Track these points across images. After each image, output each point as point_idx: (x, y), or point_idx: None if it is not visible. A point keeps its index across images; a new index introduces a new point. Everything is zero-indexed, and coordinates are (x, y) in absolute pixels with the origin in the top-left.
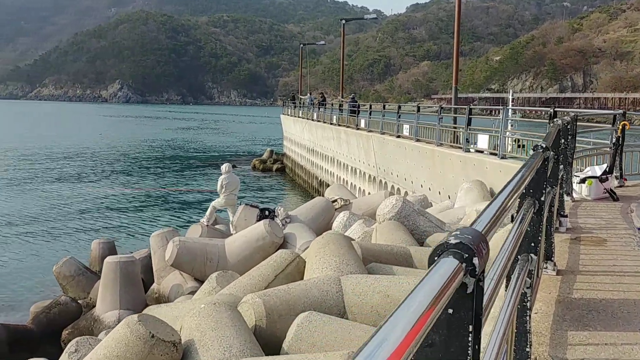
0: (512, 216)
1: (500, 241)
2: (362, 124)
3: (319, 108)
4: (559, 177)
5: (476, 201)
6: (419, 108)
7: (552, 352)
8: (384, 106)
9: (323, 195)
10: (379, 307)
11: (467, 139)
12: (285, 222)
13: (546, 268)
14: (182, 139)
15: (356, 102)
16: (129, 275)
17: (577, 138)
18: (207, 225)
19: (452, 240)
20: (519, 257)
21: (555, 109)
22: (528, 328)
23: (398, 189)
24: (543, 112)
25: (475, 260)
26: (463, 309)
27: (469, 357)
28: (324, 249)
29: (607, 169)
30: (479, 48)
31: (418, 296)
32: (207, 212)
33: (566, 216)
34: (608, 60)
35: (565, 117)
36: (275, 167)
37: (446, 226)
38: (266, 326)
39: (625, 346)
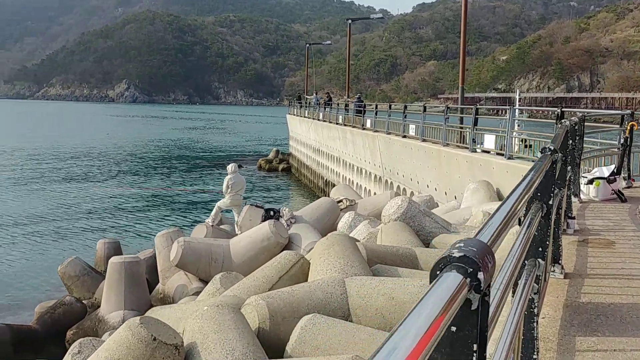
0: (520, 219)
1: (507, 244)
2: (368, 124)
3: (324, 108)
4: (567, 178)
5: (482, 202)
6: (425, 108)
7: (559, 358)
8: (390, 106)
9: (328, 196)
10: (383, 310)
11: (473, 139)
12: (290, 222)
13: (554, 271)
14: (188, 138)
15: (362, 102)
16: (133, 275)
17: (584, 139)
18: (212, 226)
19: (456, 254)
20: (526, 262)
21: (563, 109)
22: (535, 334)
23: (404, 189)
24: (550, 112)
25: (481, 275)
26: (467, 326)
27: None
28: (328, 250)
29: (615, 170)
30: (485, 48)
31: (419, 315)
32: (212, 213)
33: (574, 218)
34: (615, 60)
35: (573, 118)
36: (281, 167)
37: (452, 227)
38: (269, 328)
39: (634, 352)
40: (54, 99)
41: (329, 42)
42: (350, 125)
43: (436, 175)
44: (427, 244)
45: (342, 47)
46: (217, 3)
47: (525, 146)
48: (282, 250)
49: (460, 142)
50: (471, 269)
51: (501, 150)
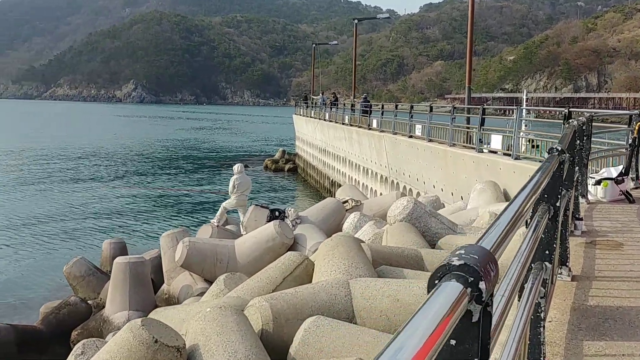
0: (527, 222)
1: (514, 246)
2: (374, 124)
3: (331, 108)
4: (575, 179)
5: (489, 202)
6: (431, 108)
7: None
8: (397, 106)
9: (334, 196)
10: (388, 312)
11: (480, 139)
12: (296, 222)
13: (561, 274)
14: (195, 139)
15: (368, 102)
16: (138, 276)
17: (592, 139)
18: (217, 226)
19: (455, 262)
20: (532, 265)
21: (570, 109)
22: (542, 339)
23: (410, 190)
24: (557, 112)
25: (482, 285)
26: (468, 339)
27: None
28: (332, 251)
29: (623, 171)
30: (492, 48)
31: (415, 328)
32: (218, 213)
33: (581, 219)
34: (623, 60)
35: (581, 118)
36: (287, 167)
37: (458, 228)
38: (273, 330)
39: None
40: (62, 99)
41: (335, 42)
42: (356, 126)
43: (442, 175)
44: (433, 245)
45: (349, 48)
46: (224, 3)
47: (533, 146)
48: (287, 251)
49: (466, 142)
50: (472, 279)
51: (508, 150)
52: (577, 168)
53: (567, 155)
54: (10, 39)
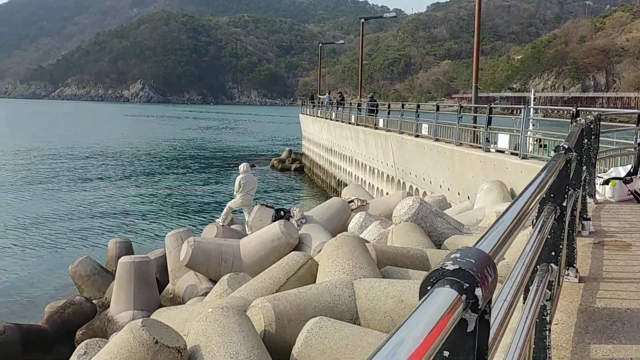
0: (533, 222)
1: (520, 246)
2: (381, 124)
3: (337, 107)
4: (582, 178)
5: (496, 202)
6: (438, 107)
7: None
8: (403, 105)
9: (340, 196)
10: (392, 313)
11: (487, 138)
12: (301, 222)
13: (568, 275)
14: (202, 138)
15: (375, 101)
16: (143, 275)
17: (600, 138)
18: (222, 226)
19: (450, 266)
20: (538, 267)
21: (578, 108)
22: (547, 343)
23: (417, 189)
24: (565, 112)
25: (479, 291)
26: (463, 351)
27: None
28: (337, 251)
29: (632, 170)
30: (500, 47)
31: (403, 338)
32: (223, 213)
33: (589, 219)
34: (631, 59)
35: (588, 117)
36: (293, 166)
37: (465, 228)
38: (276, 331)
39: None
40: (70, 99)
41: (341, 41)
42: (362, 125)
43: (449, 175)
44: (438, 245)
45: (355, 47)
46: (231, 3)
47: (540, 146)
48: (292, 251)
49: (473, 142)
50: (467, 284)
51: (515, 150)
52: (584, 167)
53: (574, 153)
54: (19, 39)
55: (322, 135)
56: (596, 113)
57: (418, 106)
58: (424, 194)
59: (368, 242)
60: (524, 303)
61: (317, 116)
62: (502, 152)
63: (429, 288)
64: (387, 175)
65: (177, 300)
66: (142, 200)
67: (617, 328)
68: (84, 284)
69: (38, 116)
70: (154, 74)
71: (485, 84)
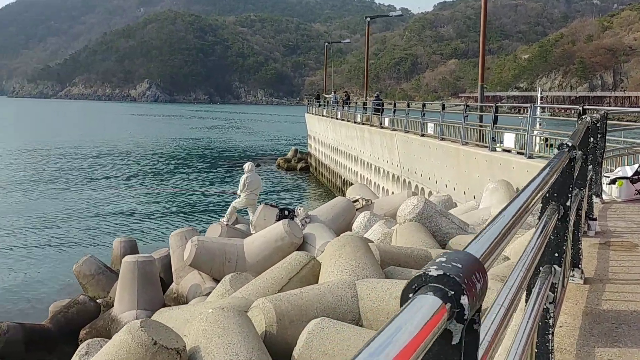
0: (537, 222)
1: (524, 247)
2: (386, 123)
3: (342, 107)
4: (588, 178)
5: (502, 202)
6: (443, 106)
7: None
8: (409, 104)
9: (346, 195)
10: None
11: (493, 137)
12: (305, 222)
13: (573, 276)
14: (208, 138)
15: (380, 100)
16: (147, 274)
17: (607, 137)
18: (227, 225)
19: (433, 272)
20: (540, 268)
21: (585, 107)
22: (550, 348)
23: (422, 189)
24: (572, 111)
25: (464, 300)
26: None
27: None
28: (339, 251)
29: (639, 169)
30: (507, 46)
31: (379, 350)
32: (227, 212)
33: (595, 219)
34: (639, 59)
35: (595, 115)
36: (299, 166)
37: (470, 228)
38: (277, 332)
39: None
40: (77, 98)
41: (348, 40)
42: (368, 124)
43: (455, 174)
44: (443, 245)
45: (362, 46)
46: (237, 3)
47: (547, 145)
48: (296, 251)
49: (479, 141)
50: (452, 292)
51: (522, 149)
52: (590, 166)
53: (579, 152)
54: (26, 38)
55: (328, 135)
56: (603, 111)
57: (424, 105)
58: (430, 193)
59: (371, 241)
60: (525, 306)
61: (323, 115)
62: (509, 151)
63: (410, 295)
64: (393, 175)
65: (181, 300)
66: (147, 199)
67: (622, 331)
68: (88, 283)
69: (45, 115)
70: (161, 74)
71: (492, 83)
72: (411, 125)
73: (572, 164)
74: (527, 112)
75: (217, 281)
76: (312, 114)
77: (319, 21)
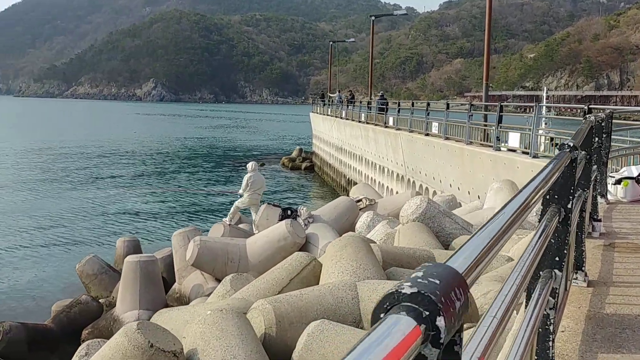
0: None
1: (521, 249)
2: (391, 122)
3: (347, 106)
4: (592, 178)
5: (506, 201)
6: (448, 105)
7: None
8: (413, 103)
9: (349, 195)
10: None
11: (497, 137)
12: (308, 222)
13: (576, 279)
14: (213, 137)
15: (385, 99)
16: (149, 274)
17: (612, 136)
18: (229, 225)
19: (407, 289)
20: (540, 273)
21: (590, 106)
22: (551, 355)
23: (426, 188)
24: (578, 110)
25: (440, 321)
26: None
27: None
28: (341, 252)
29: None
30: (513, 45)
31: None
32: (231, 211)
33: (599, 220)
34: None
35: (600, 114)
36: (304, 165)
37: (473, 228)
38: (276, 334)
39: None
40: (83, 98)
41: (352, 39)
42: (372, 123)
43: (459, 174)
44: (446, 245)
45: (367, 45)
46: (243, 2)
47: (553, 145)
48: (298, 251)
49: (484, 141)
50: (427, 312)
51: (526, 149)
52: (595, 166)
53: (582, 152)
54: (32, 38)
55: (332, 134)
56: (608, 110)
57: (428, 104)
58: (434, 193)
59: (373, 242)
60: (525, 309)
61: (328, 115)
62: (513, 151)
63: (381, 315)
64: (397, 174)
65: (183, 300)
66: (152, 198)
67: (626, 336)
68: (91, 282)
69: (51, 115)
70: (167, 73)
71: (498, 83)
72: (415, 125)
73: (574, 164)
74: (532, 111)
75: (220, 281)
76: (317, 113)
77: (324, 20)
